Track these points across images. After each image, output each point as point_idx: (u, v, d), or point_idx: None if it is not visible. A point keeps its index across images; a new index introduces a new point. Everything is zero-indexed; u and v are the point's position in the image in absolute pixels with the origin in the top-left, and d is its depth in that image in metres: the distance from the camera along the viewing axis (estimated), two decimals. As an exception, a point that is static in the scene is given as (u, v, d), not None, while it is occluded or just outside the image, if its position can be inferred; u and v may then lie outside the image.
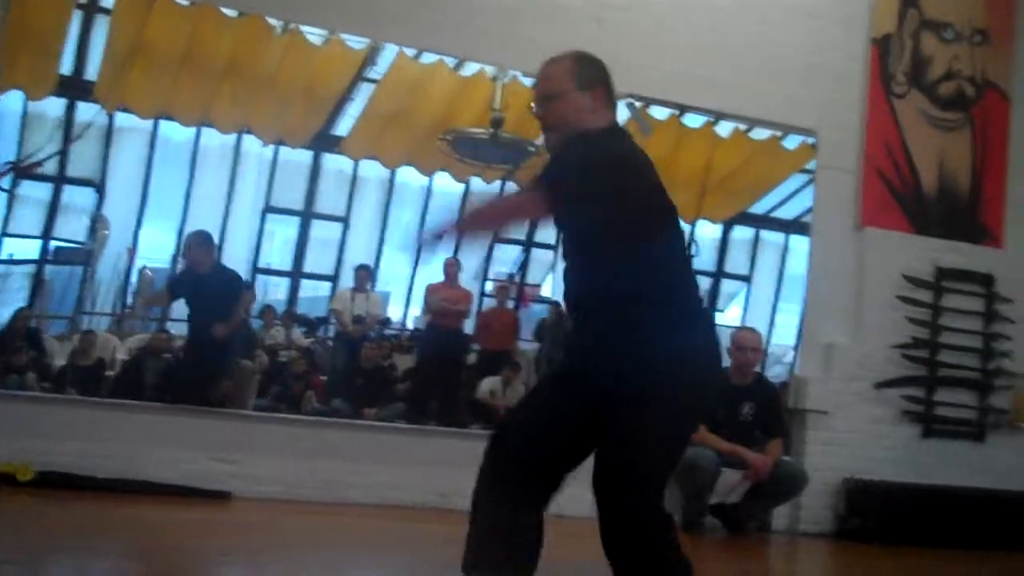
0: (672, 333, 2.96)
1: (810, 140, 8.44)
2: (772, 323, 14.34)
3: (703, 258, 12.74)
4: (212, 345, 7.35)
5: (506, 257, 12.64)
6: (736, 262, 14.56)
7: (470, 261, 11.53)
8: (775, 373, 11.11)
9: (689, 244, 10.44)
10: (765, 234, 14.68)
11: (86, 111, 11.22)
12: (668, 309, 2.97)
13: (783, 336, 13.69)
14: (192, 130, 11.99)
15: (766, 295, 14.63)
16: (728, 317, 14.28)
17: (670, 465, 3.02)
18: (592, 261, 3.07)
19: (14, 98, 10.74)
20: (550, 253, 12.65)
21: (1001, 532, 7.50)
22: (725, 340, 7.38)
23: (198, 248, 7.66)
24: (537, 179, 3.01)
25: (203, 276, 7.45)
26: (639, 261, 2.97)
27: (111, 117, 11.62)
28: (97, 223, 11.09)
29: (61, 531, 4.86)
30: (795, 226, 13.26)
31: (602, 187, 2.95)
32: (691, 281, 3.13)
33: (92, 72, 10.97)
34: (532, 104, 3.31)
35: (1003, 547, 7.38)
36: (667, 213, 3.09)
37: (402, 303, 12.37)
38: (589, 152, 3.03)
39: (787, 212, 13.68)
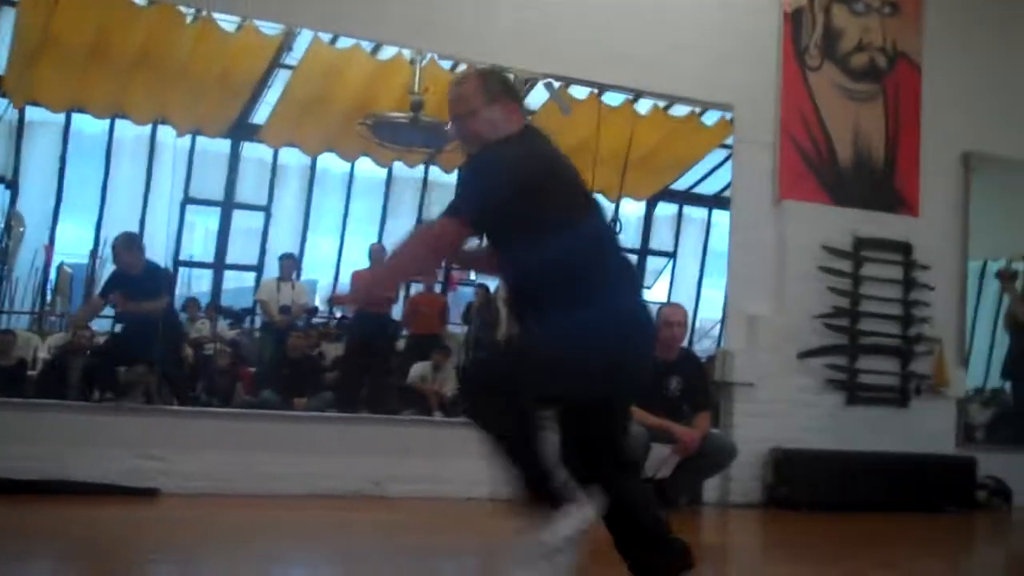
0: (566, 320, 3.11)
1: (728, 115, 8.52)
2: (698, 297, 14.43)
3: (627, 235, 12.79)
4: (140, 341, 7.35)
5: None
6: (661, 238, 14.64)
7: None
8: (703, 347, 11.17)
9: (612, 223, 10.48)
10: (688, 210, 14.76)
11: (-6, 107, 10.94)
12: (565, 304, 3.10)
13: (710, 310, 13.80)
14: (106, 122, 11.75)
15: (691, 270, 14.73)
16: (655, 294, 14.39)
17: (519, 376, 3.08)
18: (506, 259, 3.22)
19: (-83, 97, 10.43)
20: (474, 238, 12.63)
21: (925, 494, 7.70)
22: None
23: (126, 251, 7.72)
24: (454, 205, 3.12)
25: (135, 277, 7.52)
26: (539, 258, 3.13)
27: (21, 112, 11.34)
28: (12, 220, 10.82)
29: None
30: (717, 201, 13.38)
31: (504, 195, 3.08)
32: (597, 273, 3.19)
33: (-1, 66, 10.70)
34: (448, 124, 3.45)
35: (927, 509, 7.58)
36: (569, 208, 3.20)
37: (328, 291, 12.26)
38: (490, 163, 3.22)
39: (709, 187, 13.79)
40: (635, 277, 3.38)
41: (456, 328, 11.09)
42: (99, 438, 6.42)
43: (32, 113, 11.45)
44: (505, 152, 3.25)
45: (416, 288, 10.87)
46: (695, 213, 14.56)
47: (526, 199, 3.11)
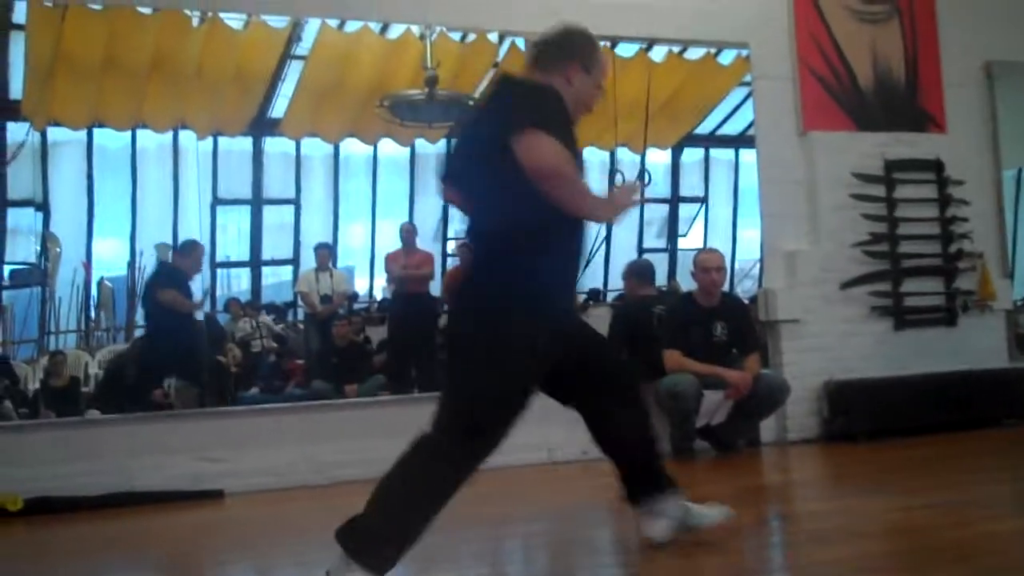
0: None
1: (744, 52, 8.44)
2: (734, 239, 14.35)
3: (657, 185, 12.74)
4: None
5: (462, 215, 12.58)
6: (691, 184, 14.55)
7: (426, 224, 11.52)
8: (745, 288, 11.16)
9: (641, 173, 10.43)
10: (715, 152, 14.67)
11: (16, 131, 11.03)
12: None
13: (748, 251, 13.73)
14: (127, 134, 11.83)
15: (724, 213, 14.64)
16: (691, 241, 14.33)
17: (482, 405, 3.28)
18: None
19: (-62, 127, 10.54)
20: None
21: (983, 410, 7.64)
22: (688, 264, 7.44)
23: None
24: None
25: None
26: None
27: (43, 133, 11.43)
28: (47, 243, 10.94)
29: (61, 555, 4.86)
30: (742, 140, 13.26)
31: None
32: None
33: (16, 90, 10.78)
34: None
35: (986, 425, 7.52)
36: None
37: (366, 276, 12.32)
38: None
39: (733, 127, 13.68)
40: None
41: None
42: (159, 446, 6.50)
43: (54, 134, 11.54)
44: None
45: (452, 263, 10.88)
46: (722, 155, 14.46)
47: None
